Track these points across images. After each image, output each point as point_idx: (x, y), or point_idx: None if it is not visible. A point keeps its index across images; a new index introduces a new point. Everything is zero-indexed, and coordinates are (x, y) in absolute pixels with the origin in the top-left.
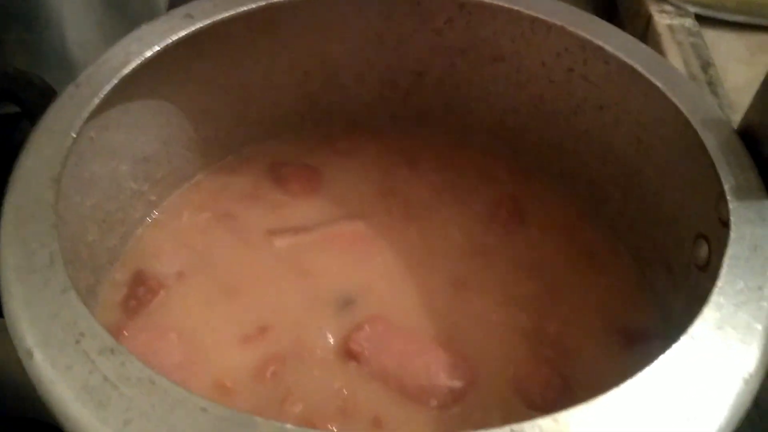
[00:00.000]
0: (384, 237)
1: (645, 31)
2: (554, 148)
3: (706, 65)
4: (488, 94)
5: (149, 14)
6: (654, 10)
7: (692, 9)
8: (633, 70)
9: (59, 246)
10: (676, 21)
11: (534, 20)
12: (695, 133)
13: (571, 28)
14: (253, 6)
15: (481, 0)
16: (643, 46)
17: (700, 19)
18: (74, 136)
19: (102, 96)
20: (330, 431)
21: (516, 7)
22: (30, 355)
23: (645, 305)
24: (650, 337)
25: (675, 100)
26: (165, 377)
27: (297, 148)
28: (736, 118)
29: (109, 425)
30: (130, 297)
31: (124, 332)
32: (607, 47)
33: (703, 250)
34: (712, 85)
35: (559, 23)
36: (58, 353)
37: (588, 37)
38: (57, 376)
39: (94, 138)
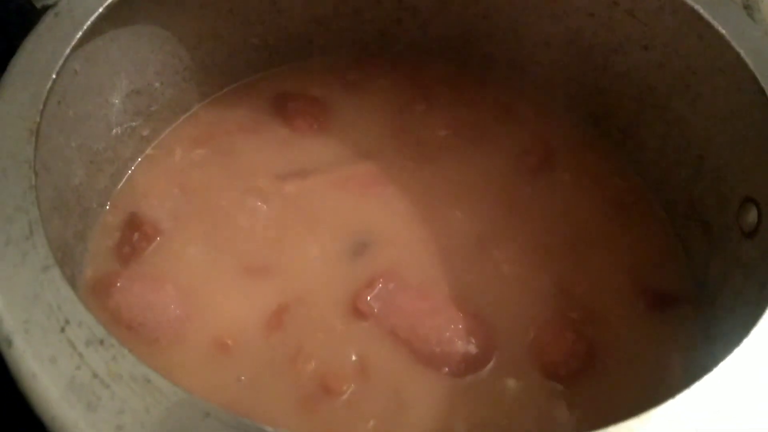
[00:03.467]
0: (397, 181)
1: None
2: (587, 88)
3: None
4: (518, 25)
5: None
6: None
7: None
8: (691, 10)
9: (39, 212)
10: None
11: None
12: (761, 90)
13: None
14: None
15: None
16: None
17: None
18: (54, 77)
19: (86, 27)
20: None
21: None
22: (8, 343)
23: (677, 266)
24: (682, 302)
25: (740, 50)
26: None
27: (303, 78)
28: None
29: (99, 431)
30: (123, 243)
31: (117, 283)
32: None
33: (752, 216)
34: (749, 8)
35: None
36: (41, 342)
37: None
38: (40, 369)
39: (79, 71)
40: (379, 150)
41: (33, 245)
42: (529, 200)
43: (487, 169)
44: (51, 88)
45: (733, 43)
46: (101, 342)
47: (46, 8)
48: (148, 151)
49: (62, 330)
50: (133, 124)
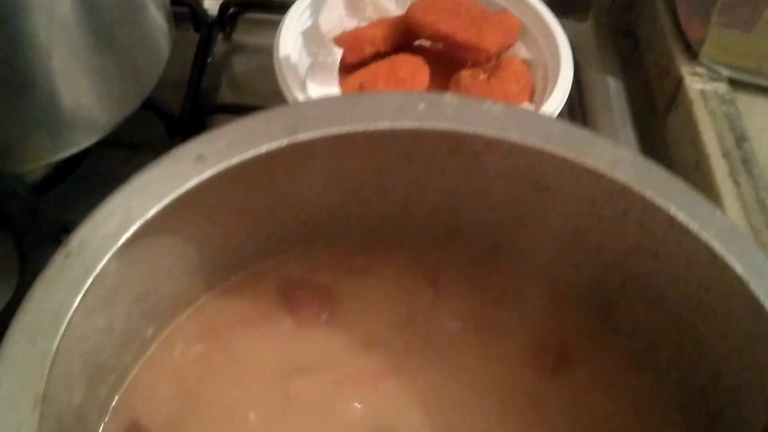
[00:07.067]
0: (404, 380)
1: (675, 95)
2: (598, 284)
3: (741, 139)
4: (525, 218)
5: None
6: (686, 71)
7: (726, 72)
8: (706, 247)
9: None
10: (709, 86)
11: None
12: None
13: (636, 187)
14: (274, 146)
15: (530, 146)
16: (724, 216)
17: (734, 83)
18: (63, 330)
19: (98, 270)
20: None
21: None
22: None
23: None
24: None
25: (760, 295)
26: None
27: (310, 263)
28: None
29: None
30: None
31: None
32: (679, 216)
33: None
34: (747, 163)
35: (621, 179)
36: None
37: (656, 202)
38: None
39: (89, 306)
40: (387, 345)
41: None
42: (545, 402)
43: (501, 368)
44: (58, 347)
45: (751, 285)
46: None
47: None
48: (150, 350)
49: None
50: (138, 326)
